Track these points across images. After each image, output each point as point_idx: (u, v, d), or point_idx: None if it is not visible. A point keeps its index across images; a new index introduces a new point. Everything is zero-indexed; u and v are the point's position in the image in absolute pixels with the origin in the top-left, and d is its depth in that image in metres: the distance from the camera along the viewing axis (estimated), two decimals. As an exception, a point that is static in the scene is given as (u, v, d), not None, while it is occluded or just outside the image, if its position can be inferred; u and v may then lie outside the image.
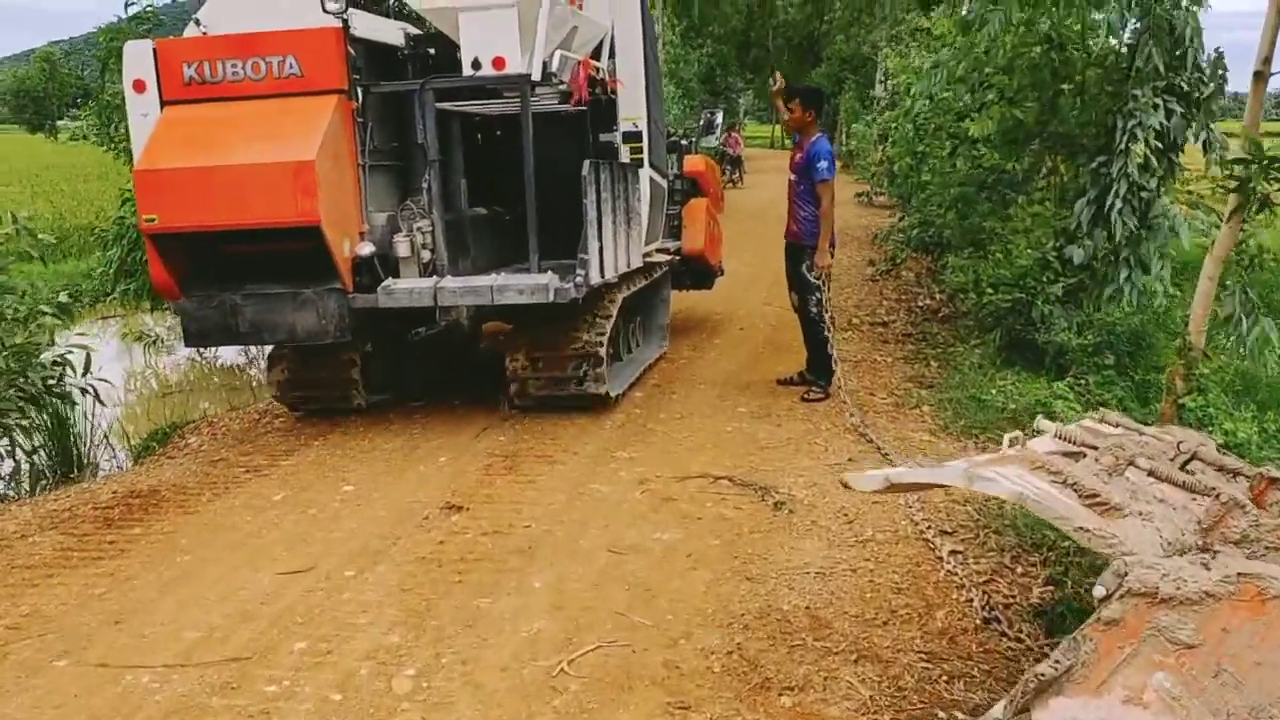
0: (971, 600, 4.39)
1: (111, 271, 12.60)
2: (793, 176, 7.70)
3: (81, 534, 5.40)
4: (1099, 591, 2.62)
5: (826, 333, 7.61)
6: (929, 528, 5.12)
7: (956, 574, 4.63)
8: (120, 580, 4.73)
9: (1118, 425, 4.21)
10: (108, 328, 14.74)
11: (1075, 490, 3.02)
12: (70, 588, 4.68)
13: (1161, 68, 7.74)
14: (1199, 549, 2.87)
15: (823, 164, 7.43)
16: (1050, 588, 4.56)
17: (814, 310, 7.68)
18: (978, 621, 4.22)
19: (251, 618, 4.28)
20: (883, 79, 27.21)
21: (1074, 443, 3.45)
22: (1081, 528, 2.67)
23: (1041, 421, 3.82)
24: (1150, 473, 3.27)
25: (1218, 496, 3.03)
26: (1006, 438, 3.97)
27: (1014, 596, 4.51)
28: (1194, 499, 3.17)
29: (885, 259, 14.02)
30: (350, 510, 5.55)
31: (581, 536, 5.11)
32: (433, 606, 4.34)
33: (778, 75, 7.96)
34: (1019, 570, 4.75)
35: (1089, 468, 3.25)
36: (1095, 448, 3.48)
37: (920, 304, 11.56)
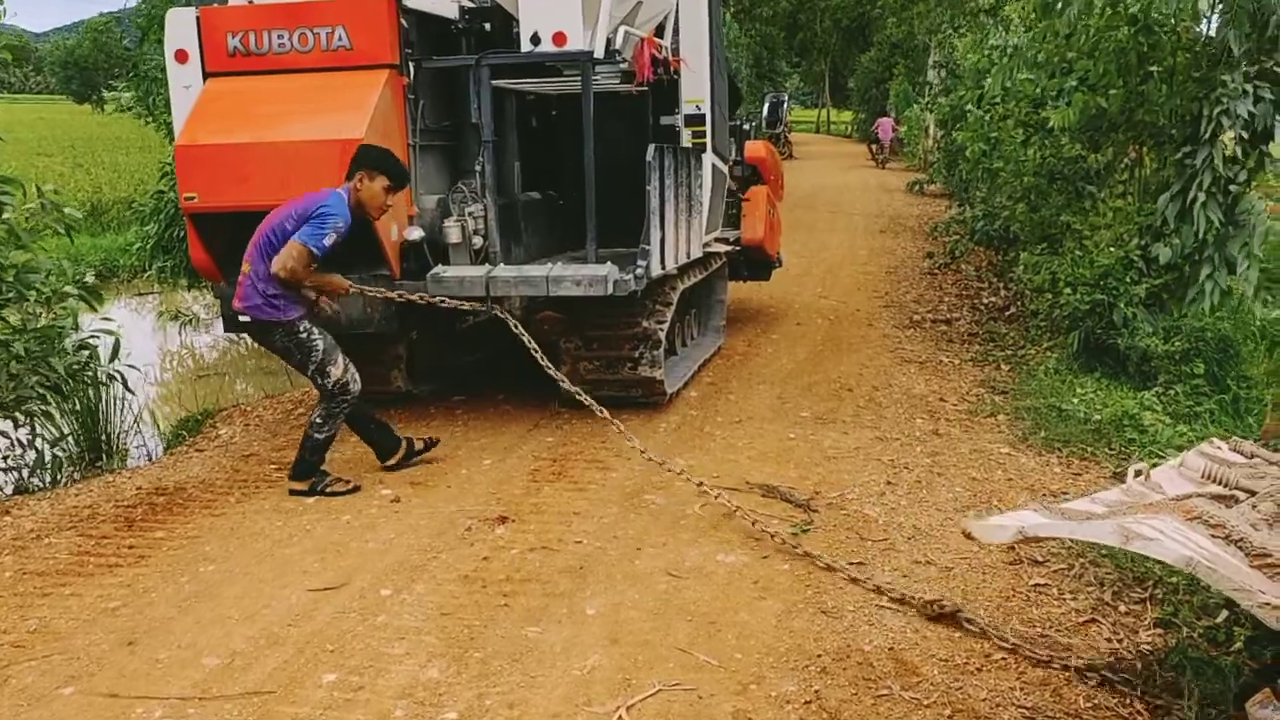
0: (1071, 645, 3.93)
1: (148, 247, 12.32)
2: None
3: (100, 536, 5.04)
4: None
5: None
6: (1017, 557, 4.66)
7: (1052, 612, 4.17)
8: (137, 593, 4.35)
9: (1251, 455, 3.73)
10: (145, 305, 14.51)
11: (1240, 548, 2.56)
12: (84, 599, 4.31)
13: (1237, 51, 7.15)
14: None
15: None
16: (1160, 631, 4.10)
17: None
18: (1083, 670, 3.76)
19: (277, 642, 3.89)
20: (935, 64, 26.52)
21: (1224, 484, 2.98)
22: (1268, 604, 2.20)
23: (1190, 457, 3.33)
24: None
25: None
26: (1131, 470, 3.51)
27: (1120, 640, 4.04)
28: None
29: (944, 251, 13.48)
30: (387, 518, 5.16)
31: (637, 556, 4.69)
32: (476, 635, 3.93)
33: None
34: (1122, 609, 4.27)
35: (1246, 516, 2.79)
36: (1248, 490, 3.01)
37: (985, 301, 11.02)
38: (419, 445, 5.99)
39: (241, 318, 5.32)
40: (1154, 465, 3.66)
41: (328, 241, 5.15)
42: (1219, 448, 4.14)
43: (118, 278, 15.57)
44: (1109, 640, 4.02)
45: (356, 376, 5.50)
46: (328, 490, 5.49)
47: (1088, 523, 2.56)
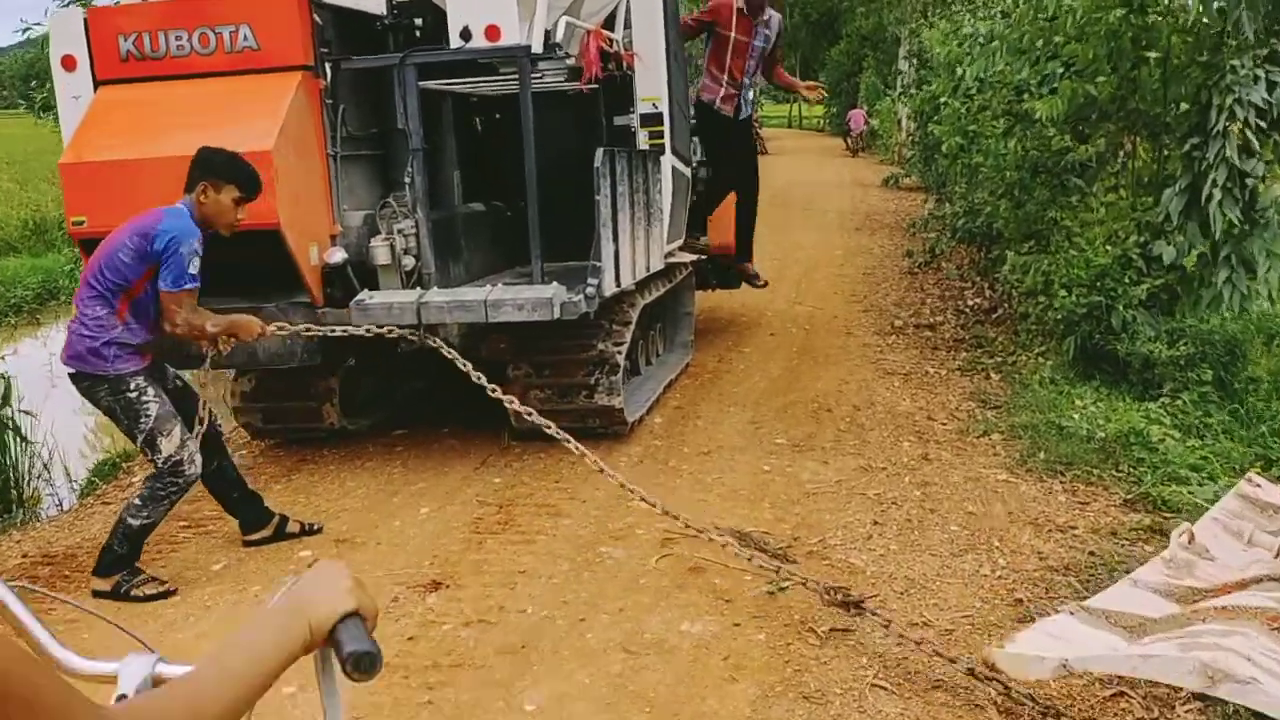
0: (1101, 731, 3.32)
1: (81, 269, 11.58)
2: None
3: (-38, 625, 4.35)
4: None
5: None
6: (1025, 612, 4.05)
7: (1073, 684, 3.55)
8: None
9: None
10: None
11: (1346, 668, 1.94)
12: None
13: (1250, 33, 6.58)
14: None
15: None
16: (1198, 706, 3.49)
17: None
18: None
19: (150, 764, 3.22)
20: (907, 55, 25.96)
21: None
22: None
23: (1259, 534, 2.71)
24: None
25: None
26: (1174, 535, 2.90)
27: (1154, 717, 3.42)
28: None
29: (923, 250, 12.87)
30: (302, 587, 4.48)
31: (589, 626, 4.04)
32: (391, 747, 3.29)
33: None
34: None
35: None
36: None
37: (969, 303, 10.41)
38: (294, 528, 5.05)
39: (68, 370, 4.45)
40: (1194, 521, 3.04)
41: (194, 270, 4.34)
42: (1259, 485, 3.55)
43: (58, 300, 14.79)
44: (1142, 719, 3.41)
45: (196, 458, 4.53)
46: (132, 593, 4.43)
47: (1152, 654, 1.94)
